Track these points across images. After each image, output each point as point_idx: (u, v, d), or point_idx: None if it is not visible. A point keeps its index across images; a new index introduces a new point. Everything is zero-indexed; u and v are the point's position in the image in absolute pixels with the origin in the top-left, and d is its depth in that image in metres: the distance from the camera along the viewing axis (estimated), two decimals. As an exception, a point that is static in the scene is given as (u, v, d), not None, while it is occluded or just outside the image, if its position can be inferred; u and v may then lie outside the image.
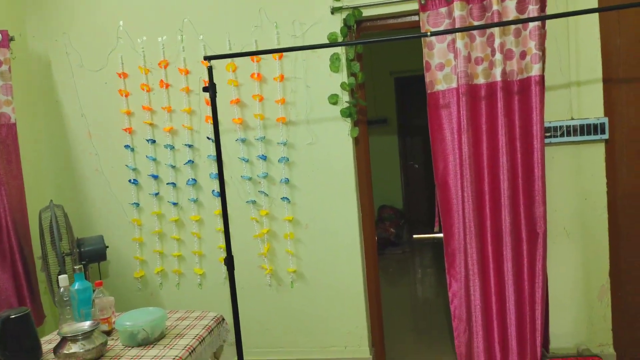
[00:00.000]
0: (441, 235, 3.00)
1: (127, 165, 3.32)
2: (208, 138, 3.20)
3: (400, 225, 6.81)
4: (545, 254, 2.82)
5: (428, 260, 6.28)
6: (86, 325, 2.06)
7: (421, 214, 7.41)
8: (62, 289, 2.24)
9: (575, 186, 2.88)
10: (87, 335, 1.98)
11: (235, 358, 2.72)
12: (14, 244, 2.90)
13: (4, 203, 2.86)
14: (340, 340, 3.19)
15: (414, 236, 7.25)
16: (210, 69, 2.47)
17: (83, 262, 2.99)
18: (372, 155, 3.30)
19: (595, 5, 2.76)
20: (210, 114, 3.04)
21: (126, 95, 3.27)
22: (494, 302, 2.89)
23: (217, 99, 2.58)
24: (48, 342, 2.24)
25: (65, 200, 3.39)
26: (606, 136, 2.80)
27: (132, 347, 2.12)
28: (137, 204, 3.33)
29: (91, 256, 3.04)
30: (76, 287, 2.24)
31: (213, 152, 3.19)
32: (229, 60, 3.09)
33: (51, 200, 2.99)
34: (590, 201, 2.88)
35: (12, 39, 3.05)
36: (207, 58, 2.49)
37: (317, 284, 3.19)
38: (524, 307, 2.87)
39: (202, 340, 2.21)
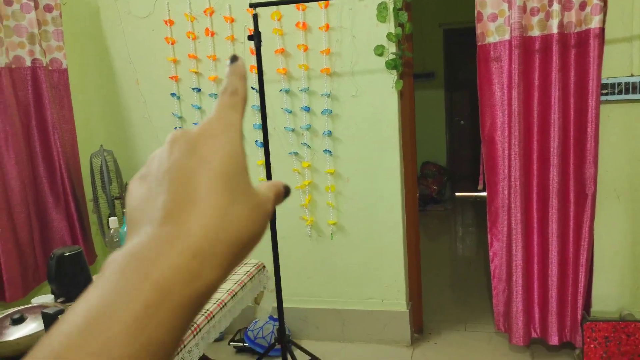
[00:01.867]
0: (484, 194, 2.95)
1: (173, 113, 3.37)
2: (252, 88, 3.20)
3: (442, 183, 6.73)
4: (593, 217, 2.73)
5: (470, 219, 6.22)
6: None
7: (465, 171, 7.28)
8: (112, 231, 2.34)
9: (629, 147, 2.76)
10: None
11: (275, 304, 2.80)
12: (67, 186, 3.02)
13: (57, 147, 2.96)
14: (378, 292, 3.23)
15: (457, 194, 7.17)
16: (255, 17, 2.45)
17: (131, 206, 3.10)
18: (417, 110, 3.23)
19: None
20: (254, 63, 3.02)
21: (172, 43, 3.29)
22: (536, 262, 2.85)
23: (262, 48, 2.56)
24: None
25: (115, 145, 3.48)
26: (668, 95, 2.64)
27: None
28: (183, 152, 3.40)
29: (139, 201, 3.14)
30: (125, 229, 2.34)
31: (257, 102, 3.20)
32: (274, 8, 3.04)
33: (101, 145, 3.09)
34: (645, 163, 2.75)
35: (62, -16, 3.09)
36: (253, 5, 2.46)
37: (357, 237, 3.21)
38: (567, 269, 2.82)
39: (243, 286, 2.28)
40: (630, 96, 2.68)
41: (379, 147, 3.08)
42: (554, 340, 2.87)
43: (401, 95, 3.06)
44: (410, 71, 3.05)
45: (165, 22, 3.27)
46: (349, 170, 3.15)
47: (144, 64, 3.38)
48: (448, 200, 6.78)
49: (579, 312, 2.83)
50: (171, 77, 3.32)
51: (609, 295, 2.91)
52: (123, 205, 3.02)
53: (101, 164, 3.00)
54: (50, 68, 3.00)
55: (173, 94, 3.34)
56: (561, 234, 2.78)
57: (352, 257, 3.24)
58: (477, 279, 4.12)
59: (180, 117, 3.37)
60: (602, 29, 2.55)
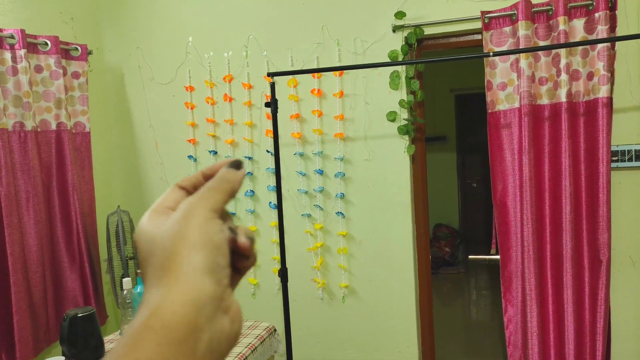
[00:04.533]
0: (497, 257, 2.94)
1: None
2: (267, 151, 3.29)
3: (455, 245, 6.68)
4: (608, 283, 2.70)
5: (483, 282, 6.13)
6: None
7: (478, 234, 7.24)
8: (125, 291, 2.35)
9: (643, 213, 2.75)
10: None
11: (285, 369, 2.76)
12: (83, 246, 3.07)
13: (75, 207, 3.04)
14: (391, 358, 3.16)
15: (470, 257, 7.09)
16: (272, 85, 2.55)
17: (145, 266, 3.12)
18: (429, 173, 3.28)
19: (670, 25, 2.65)
20: (270, 127, 3.12)
21: (192, 108, 3.41)
22: (552, 329, 2.79)
23: (278, 114, 2.65)
24: (110, 341, 2.35)
25: (132, 206, 3.55)
26: (679, 162, 2.66)
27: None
28: (197, 213, 3.45)
29: (152, 261, 3.17)
30: (138, 290, 2.35)
31: (272, 165, 3.27)
32: (290, 76, 3.17)
33: (118, 206, 3.15)
34: (659, 230, 2.74)
35: (90, 52, 3.26)
36: (271, 74, 2.57)
37: (369, 300, 3.19)
38: (584, 337, 2.75)
39: (254, 350, 2.26)
40: (641, 163, 2.71)
41: (391, 210, 3.11)
42: (574, 412, 2.76)
43: (413, 159, 3.11)
44: (422, 136, 3.12)
45: (186, 88, 3.41)
46: (361, 233, 3.17)
47: (163, 128, 3.50)
48: (461, 263, 6.71)
49: (599, 383, 2.74)
50: (189, 140, 3.42)
51: (629, 366, 2.82)
52: (137, 266, 3.05)
53: (117, 224, 3.06)
54: (74, 131, 3.12)
55: (190, 156, 3.43)
56: (576, 300, 2.74)
57: (364, 321, 3.20)
58: (492, 345, 4.02)
59: (196, 179, 3.43)
60: (610, 98, 2.61)
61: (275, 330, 2.62)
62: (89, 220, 3.18)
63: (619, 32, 2.65)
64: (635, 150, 2.71)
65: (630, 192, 2.76)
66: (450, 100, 7.03)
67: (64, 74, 3.03)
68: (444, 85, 6.90)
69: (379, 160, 3.10)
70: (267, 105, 2.57)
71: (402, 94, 3.02)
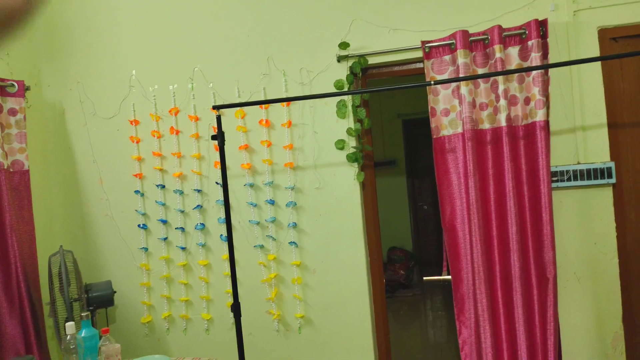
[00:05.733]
0: (450, 277, 2.98)
1: (136, 210, 3.35)
2: (217, 183, 3.24)
3: (410, 267, 6.75)
4: (556, 300, 2.78)
5: (439, 303, 6.19)
6: (91, 374, 2.05)
7: (432, 255, 7.35)
8: (68, 337, 2.24)
9: (584, 231, 2.86)
10: (92, 385, 1.97)
11: (242, 407, 2.68)
12: (23, 289, 2.91)
13: (14, 249, 2.89)
14: (349, 388, 3.13)
15: (425, 278, 7.17)
16: (219, 118, 2.53)
17: (91, 308, 2.99)
18: (381, 197, 3.31)
19: (597, 52, 2.80)
20: (219, 159, 3.08)
21: (137, 142, 3.34)
22: (506, 349, 2.83)
23: (226, 145, 2.63)
24: (53, 391, 2.22)
25: (75, 245, 3.41)
26: (613, 180, 2.79)
27: (137, 397, 2.09)
28: (146, 249, 3.35)
29: (99, 302, 3.04)
30: (82, 335, 2.25)
31: (221, 197, 3.23)
32: (237, 107, 3.16)
33: (61, 246, 3.02)
34: (600, 246, 2.85)
35: (27, 88, 3.14)
36: (217, 107, 2.55)
37: (325, 330, 3.15)
38: (537, 354, 2.81)
39: (207, 390, 2.19)
40: (579, 182, 2.82)
41: (344, 237, 3.11)
42: None
43: (363, 185, 3.14)
44: (371, 163, 3.16)
45: (131, 122, 3.33)
46: (315, 262, 3.15)
47: (107, 163, 3.40)
48: (416, 285, 6.77)
49: (553, 399, 2.79)
50: (135, 175, 3.34)
51: (580, 381, 2.89)
52: (81, 308, 2.91)
53: (60, 265, 2.92)
54: (11, 170, 2.99)
55: (137, 191, 3.34)
56: (527, 318, 2.80)
57: (321, 351, 3.16)
58: (450, 367, 4.04)
59: (144, 214, 3.35)
60: (546, 122, 2.73)
61: (229, 367, 2.55)
62: (29, 262, 3.03)
63: (551, 58, 2.79)
64: (572, 170, 2.83)
65: (571, 211, 2.87)
66: (398, 125, 7.17)
67: (0, 111, 2.91)
68: (391, 111, 7.04)
69: (330, 188, 3.12)
70: (214, 137, 2.55)
71: (350, 122, 3.06)
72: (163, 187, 3.32)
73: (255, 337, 3.23)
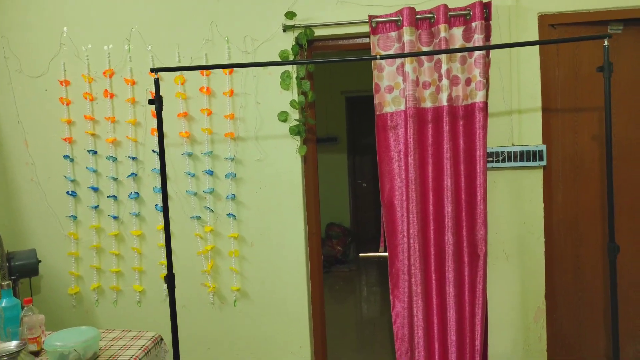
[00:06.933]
0: (387, 254, 3.03)
1: (65, 176, 3.18)
2: (153, 151, 3.12)
3: (347, 244, 6.83)
4: (485, 276, 2.88)
5: (374, 279, 6.32)
6: (12, 345, 1.94)
7: (369, 232, 7.47)
8: (-13, 304, 2.10)
9: (515, 210, 2.98)
10: (13, 356, 1.87)
11: (173, 380, 2.63)
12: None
13: None
14: (284, 359, 3.15)
15: (361, 254, 7.29)
16: (157, 82, 2.42)
17: (13, 277, 2.83)
18: (321, 173, 3.30)
19: (536, 37, 2.88)
20: (156, 126, 2.97)
21: (67, 104, 3.15)
22: (436, 323, 2.93)
23: (164, 112, 2.52)
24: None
25: (-3, 211, 3.21)
26: (544, 163, 2.91)
27: (62, 369, 2.00)
28: (75, 217, 3.19)
29: (21, 271, 2.88)
30: (3, 304, 2.12)
31: (158, 166, 3.11)
32: (177, 72, 3.03)
33: (-20, 211, 2.83)
34: (528, 225, 2.98)
35: (-56, 39, 2.88)
36: (155, 70, 2.43)
37: (262, 303, 3.14)
38: (465, 328, 2.92)
39: (137, 362, 2.12)
40: (513, 164, 2.92)
41: (284, 210, 3.09)
42: (456, 400, 2.92)
43: (305, 159, 3.12)
44: (314, 137, 3.14)
45: (61, 82, 3.14)
46: (253, 235, 3.12)
47: (34, 125, 3.19)
48: (352, 261, 6.88)
49: (478, 370, 2.92)
50: (65, 139, 3.16)
51: (503, 353, 3.04)
52: (2, 277, 2.75)
53: (-21, 232, 2.74)
54: None
55: (66, 156, 3.16)
56: (458, 293, 2.90)
57: (257, 324, 3.15)
58: (382, 339, 4.15)
59: (73, 180, 3.18)
60: (485, 103, 2.79)
61: (161, 339, 2.49)
62: (-57, 228, 2.81)
63: (493, 41, 2.85)
64: (507, 151, 2.92)
65: (503, 191, 2.97)
66: (341, 102, 7.17)
67: None
68: (335, 87, 7.03)
69: (271, 160, 3.07)
70: (151, 102, 2.43)
71: (293, 94, 3.01)
72: (95, 152, 3.15)
73: (189, 309, 3.17)
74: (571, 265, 3.03)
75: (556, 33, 2.90)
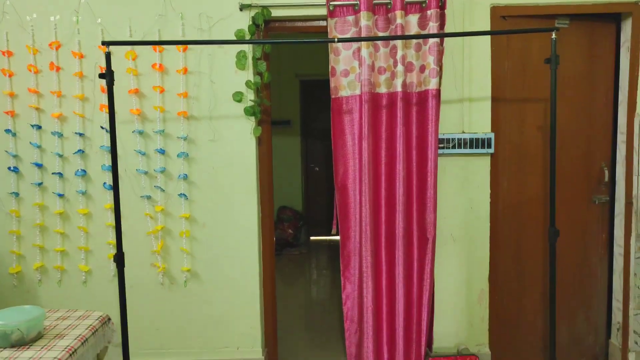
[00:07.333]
0: (338, 237, 3.07)
1: (7, 151, 3.04)
2: (102, 128, 3.03)
3: (298, 227, 6.87)
4: (433, 259, 2.98)
5: (324, 262, 6.39)
6: (-51, 326, 1.87)
7: (320, 216, 7.53)
8: None
9: (463, 196, 3.08)
10: (-51, 337, 1.80)
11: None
12: None
13: None
14: (233, 341, 3.15)
15: (312, 238, 7.35)
16: (108, 55, 2.34)
17: (-51, 256, 2.70)
18: (274, 156, 3.29)
19: (488, 28, 2.96)
20: (105, 102, 2.87)
21: (10, 76, 3.00)
22: (385, 304, 3.00)
23: (114, 88, 2.44)
24: None
25: None
26: (492, 150, 3.01)
27: (5, 348, 1.94)
28: (17, 194, 3.07)
29: (-41, 249, 2.75)
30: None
31: (107, 143, 3.02)
32: (129, 47, 2.94)
33: None
34: (475, 210, 3.08)
35: None
36: (106, 43, 2.35)
37: (212, 284, 3.12)
38: (412, 309, 3.01)
39: (84, 341, 2.08)
40: (463, 150, 3.01)
41: (237, 191, 3.07)
42: (402, 378, 3.02)
43: (259, 141, 3.10)
44: (269, 118, 3.12)
45: (3, 52, 2.98)
46: (205, 215, 3.09)
47: (-27, 96, 3.03)
48: (303, 244, 6.92)
49: (423, 349, 3.02)
50: (6, 112, 3.01)
51: (448, 332, 3.16)
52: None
53: None
54: None
55: (8, 130, 3.02)
56: (406, 275, 2.98)
57: (207, 305, 3.13)
58: (332, 321, 4.22)
59: (15, 156, 3.05)
60: (438, 91, 2.86)
61: (109, 319, 2.45)
62: None
63: (447, 30, 2.90)
64: (457, 138, 3.01)
65: (453, 176, 3.07)
66: (295, 86, 7.16)
67: None
68: (290, 70, 7.01)
69: (225, 141, 3.04)
70: (101, 76, 2.35)
71: (249, 74, 2.98)
72: (39, 127, 3.03)
73: (137, 290, 3.12)
74: (514, 249, 3.16)
75: (507, 24, 2.99)
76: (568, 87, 3.07)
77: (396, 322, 3.01)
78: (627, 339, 3.14)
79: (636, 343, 3.11)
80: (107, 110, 2.48)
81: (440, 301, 3.14)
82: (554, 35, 2.36)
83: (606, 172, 3.16)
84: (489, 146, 3.01)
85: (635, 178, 3.03)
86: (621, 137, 3.12)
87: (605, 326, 3.33)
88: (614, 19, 3.09)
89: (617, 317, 3.22)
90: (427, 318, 3.02)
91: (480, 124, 3.02)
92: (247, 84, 2.95)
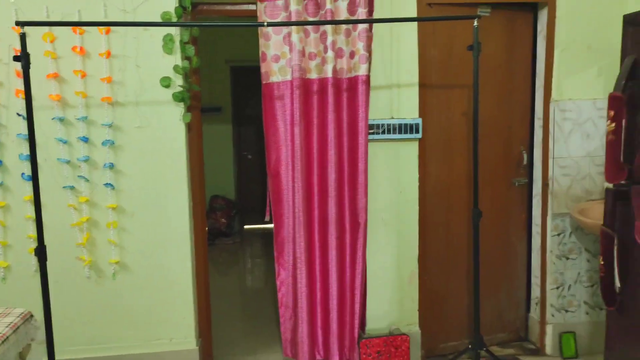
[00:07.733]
0: (271, 225, 3.07)
1: None
2: (18, 114, 2.85)
3: (231, 216, 6.81)
4: (365, 243, 3.04)
5: (258, 250, 6.38)
6: None
7: (253, 204, 7.49)
8: None
9: (393, 180, 3.15)
10: None
11: (46, 357, 2.48)
12: None
13: None
14: (166, 332, 3.09)
15: (245, 227, 7.31)
16: (23, 36, 2.20)
17: None
18: (204, 144, 3.23)
19: (414, 15, 3.03)
20: (21, 87, 2.70)
21: None
22: (319, 288, 3.04)
23: (32, 72, 2.31)
24: None
25: None
26: (419, 135, 3.10)
27: None
28: None
29: None
30: None
31: (24, 131, 2.85)
32: (46, 29, 2.78)
33: None
34: (404, 194, 3.17)
35: None
36: (21, 23, 2.21)
37: (143, 275, 3.04)
38: (345, 292, 3.07)
39: (5, 339, 1.97)
40: (392, 136, 3.08)
41: (166, 180, 2.99)
42: (336, 360, 3.08)
43: (189, 128, 3.03)
44: (198, 104, 3.06)
45: None
46: (134, 205, 2.99)
47: None
48: (237, 233, 6.88)
49: (356, 331, 3.09)
50: None
51: (380, 314, 3.24)
52: None
53: None
54: None
55: None
56: (340, 259, 3.03)
57: (138, 297, 3.05)
58: (267, 308, 4.23)
59: None
60: (368, 77, 2.90)
61: (32, 316, 2.33)
62: None
63: (375, 16, 2.95)
64: (387, 124, 3.07)
65: (383, 161, 3.13)
66: (225, 72, 7.05)
67: None
68: (219, 56, 6.88)
69: (153, 128, 2.95)
70: (16, 59, 2.21)
71: (177, 59, 2.90)
72: (-53, 114, 2.81)
73: (62, 284, 2.98)
74: (442, 230, 3.29)
75: (433, 12, 3.07)
76: (490, 74, 3.20)
77: (330, 306, 3.06)
78: (544, 313, 3.35)
79: (553, 316, 3.33)
80: (24, 96, 2.34)
81: (373, 284, 3.21)
82: (475, 23, 2.46)
83: (525, 156, 3.34)
84: (417, 131, 3.09)
85: (551, 161, 3.22)
86: (538, 122, 3.30)
87: (525, 301, 3.54)
88: (532, 8, 3.25)
89: (535, 292, 3.44)
90: (360, 301, 3.08)
91: (408, 109, 3.10)
92: (175, 68, 2.87)
